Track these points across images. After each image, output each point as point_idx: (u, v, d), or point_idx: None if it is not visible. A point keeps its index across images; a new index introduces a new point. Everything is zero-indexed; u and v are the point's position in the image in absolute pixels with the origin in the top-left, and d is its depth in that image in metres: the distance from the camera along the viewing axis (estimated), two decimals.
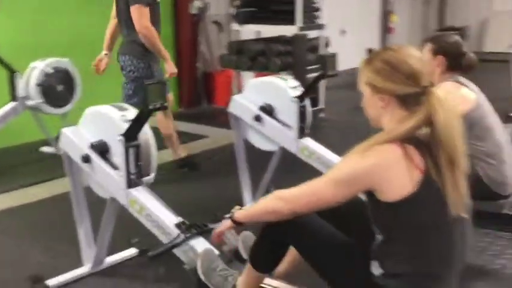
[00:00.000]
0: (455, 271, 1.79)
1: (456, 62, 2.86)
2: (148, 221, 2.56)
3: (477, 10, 10.78)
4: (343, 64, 6.00)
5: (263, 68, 5.94)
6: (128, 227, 2.81)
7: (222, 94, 6.70)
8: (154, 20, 3.99)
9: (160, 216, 2.51)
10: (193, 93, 6.82)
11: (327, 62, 3.20)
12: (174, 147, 4.41)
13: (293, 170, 3.20)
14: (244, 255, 2.30)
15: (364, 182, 1.71)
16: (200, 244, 2.40)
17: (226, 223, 2.07)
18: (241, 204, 3.39)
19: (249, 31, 6.49)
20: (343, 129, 5.39)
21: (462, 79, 2.89)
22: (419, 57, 1.79)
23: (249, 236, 2.36)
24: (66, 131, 2.76)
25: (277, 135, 3.40)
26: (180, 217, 2.51)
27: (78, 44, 5.54)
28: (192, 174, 4.40)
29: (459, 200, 1.70)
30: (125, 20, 3.99)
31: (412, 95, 1.73)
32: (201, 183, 4.24)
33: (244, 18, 6.30)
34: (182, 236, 2.37)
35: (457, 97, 2.74)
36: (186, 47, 6.64)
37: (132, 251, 3.11)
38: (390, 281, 1.76)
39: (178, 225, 2.47)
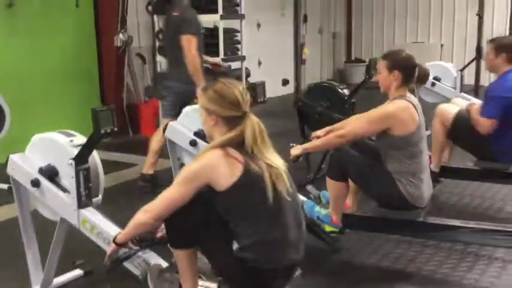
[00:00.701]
0: (291, 235, 2.33)
1: (411, 75, 3.19)
2: (99, 238, 2.73)
3: (380, 44, 11.63)
4: None
5: None
6: (71, 250, 2.96)
7: (148, 124, 6.87)
8: (199, 49, 4.62)
9: (111, 233, 2.68)
10: (120, 124, 6.94)
11: (257, 90, 3.52)
12: (152, 161, 4.78)
13: None
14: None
15: (201, 179, 2.27)
16: (151, 257, 2.62)
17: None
18: None
19: None
20: None
21: (413, 99, 3.21)
22: (242, 89, 2.38)
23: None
24: (14, 157, 2.87)
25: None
26: None
27: (6, 76, 5.55)
28: (140, 195, 4.52)
29: (277, 180, 2.28)
30: (172, 47, 4.66)
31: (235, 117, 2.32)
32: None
33: None
34: (135, 249, 2.57)
35: (407, 115, 3.10)
36: (111, 79, 6.78)
37: (76, 272, 3.23)
38: (245, 254, 2.27)
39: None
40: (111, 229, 2.70)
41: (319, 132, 3.45)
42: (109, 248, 2.51)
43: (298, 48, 10.51)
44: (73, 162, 2.71)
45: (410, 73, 3.19)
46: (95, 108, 2.67)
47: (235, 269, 2.31)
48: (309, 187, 3.90)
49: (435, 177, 4.01)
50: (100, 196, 2.90)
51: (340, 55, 12.02)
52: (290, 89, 10.14)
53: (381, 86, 3.26)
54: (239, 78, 6.48)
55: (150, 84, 7.01)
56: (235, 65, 6.44)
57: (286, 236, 2.31)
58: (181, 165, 3.84)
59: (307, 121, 4.89)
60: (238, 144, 2.30)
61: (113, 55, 6.68)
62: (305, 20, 10.63)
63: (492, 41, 4.18)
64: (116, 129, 2.73)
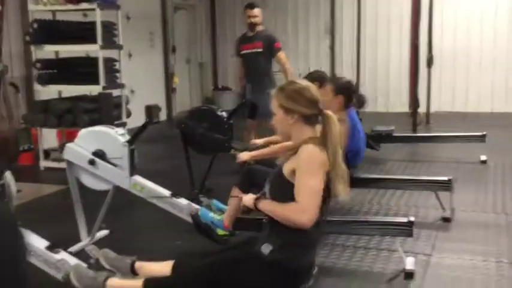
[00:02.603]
0: (317, 242, 2.59)
1: (351, 99, 3.72)
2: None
3: None
4: (133, 121, 6.71)
5: (71, 125, 6.38)
6: None
7: (24, 153, 6.88)
8: None
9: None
10: None
11: (153, 112, 3.91)
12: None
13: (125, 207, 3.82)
14: (107, 266, 2.88)
15: (324, 165, 2.39)
16: (72, 259, 2.91)
17: (249, 202, 2.57)
18: (78, 240, 3.93)
19: (50, 91, 6.88)
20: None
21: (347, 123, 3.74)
22: (316, 88, 2.55)
23: (105, 252, 2.95)
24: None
25: (111, 175, 3.95)
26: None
27: None
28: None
29: (344, 185, 2.44)
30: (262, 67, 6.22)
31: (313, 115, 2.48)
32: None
33: (46, 79, 6.68)
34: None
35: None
36: None
37: None
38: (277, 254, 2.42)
39: (48, 247, 2.94)
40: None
41: (257, 141, 4.09)
42: (250, 201, 2.57)
43: (168, 78, 11.02)
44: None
45: (350, 98, 3.72)
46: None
47: (267, 273, 2.43)
48: (202, 197, 4.33)
49: None
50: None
51: (208, 83, 12.66)
52: (162, 116, 10.52)
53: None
54: (119, 105, 6.78)
55: (28, 113, 7.01)
56: (115, 92, 6.72)
57: (316, 240, 2.56)
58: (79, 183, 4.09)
59: (190, 142, 5.33)
60: (323, 142, 2.42)
61: None
62: (173, 50, 11.15)
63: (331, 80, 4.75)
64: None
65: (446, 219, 4.58)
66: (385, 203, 5.13)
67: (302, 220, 2.35)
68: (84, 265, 2.90)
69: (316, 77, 4.63)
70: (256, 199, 2.56)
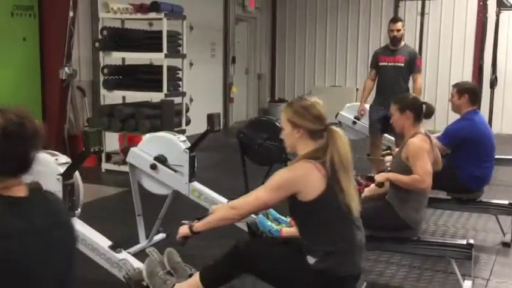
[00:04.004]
0: (359, 248, 2.58)
1: (420, 113, 3.71)
2: (83, 245, 3.08)
3: (302, 86, 12.49)
4: (192, 129, 6.85)
5: (133, 130, 6.58)
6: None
7: (95, 154, 7.12)
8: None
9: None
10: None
11: (214, 120, 4.01)
12: None
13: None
14: (168, 267, 2.93)
15: (292, 188, 2.47)
16: (133, 259, 3.00)
17: (184, 231, 2.68)
18: (136, 241, 4.05)
19: (115, 96, 7.12)
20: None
21: (429, 135, 3.69)
22: (322, 104, 2.61)
23: (171, 252, 3.00)
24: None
25: (171, 180, 4.06)
26: None
27: None
28: None
29: (352, 200, 2.49)
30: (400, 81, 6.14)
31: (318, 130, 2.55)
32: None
33: (112, 85, 6.92)
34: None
35: (428, 149, 3.57)
36: (54, 110, 7.02)
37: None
38: (324, 264, 2.47)
39: (111, 247, 3.05)
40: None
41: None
42: (183, 231, 2.69)
43: (226, 88, 11.19)
44: (60, 178, 3.08)
45: (418, 111, 3.68)
46: (86, 130, 3.18)
47: (314, 281, 2.49)
48: None
49: None
50: (79, 209, 3.27)
51: (265, 95, 12.77)
52: None
53: (396, 127, 3.79)
54: (180, 112, 6.94)
55: (95, 116, 7.26)
56: (176, 100, 6.89)
57: (357, 246, 2.55)
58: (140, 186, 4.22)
59: (248, 151, 5.41)
60: (321, 156, 2.49)
61: (56, 87, 6.95)
62: (233, 61, 11.32)
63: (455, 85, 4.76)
64: (102, 148, 3.13)
65: (506, 244, 4.46)
66: (442, 223, 5.04)
67: (230, 215, 2.62)
68: (157, 262, 2.95)
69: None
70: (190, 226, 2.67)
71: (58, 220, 1.76)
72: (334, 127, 2.58)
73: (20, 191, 1.68)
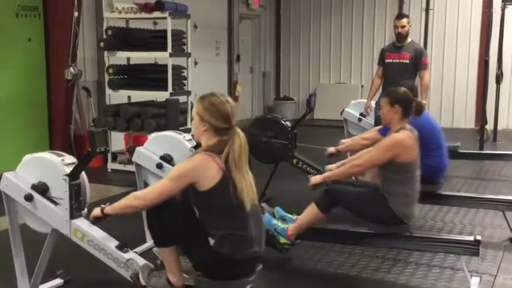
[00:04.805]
0: (254, 232, 2.77)
1: (409, 109, 3.68)
2: (90, 245, 3.09)
3: (307, 83, 12.47)
4: None
5: (139, 129, 6.59)
6: (50, 258, 3.23)
7: (101, 154, 7.13)
8: None
9: (101, 239, 3.06)
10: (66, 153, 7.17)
11: None
12: None
13: None
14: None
15: (190, 178, 2.70)
16: (139, 259, 3.01)
17: (96, 212, 2.89)
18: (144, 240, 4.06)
19: (120, 96, 7.12)
20: None
21: (415, 131, 3.71)
22: (232, 104, 2.79)
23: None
24: (7, 174, 3.18)
25: None
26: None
27: None
28: None
29: (244, 194, 2.71)
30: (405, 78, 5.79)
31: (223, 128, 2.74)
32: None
33: (117, 84, 6.93)
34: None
35: (412, 144, 3.61)
36: (59, 110, 7.03)
37: (57, 281, 3.53)
38: (220, 247, 2.70)
39: (118, 246, 3.05)
40: (101, 235, 3.07)
41: (333, 166, 4.09)
42: (96, 212, 2.90)
43: (231, 86, 11.18)
44: (67, 178, 3.07)
45: (408, 107, 3.68)
46: (91, 130, 3.07)
47: (212, 261, 2.74)
48: (263, 205, 4.39)
49: None
50: (85, 209, 3.26)
51: (270, 93, 12.76)
52: None
53: (383, 120, 3.83)
54: (185, 111, 6.94)
55: (101, 116, 7.27)
56: (181, 99, 6.89)
57: (250, 232, 2.76)
58: (146, 185, 4.22)
59: (253, 150, 5.40)
60: (220, 151, 2.72)
61: (62, 88, 6.95)
62: (238, 59, 11.31)
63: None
64: (108, 148, 3.13)
65: None
66: (449, 220, 5.02)
67: (134, 204, 2.81)
68: (152, 266, 3.00)
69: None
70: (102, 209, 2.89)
71: None
72: (238, 128, 2.78)
73: None
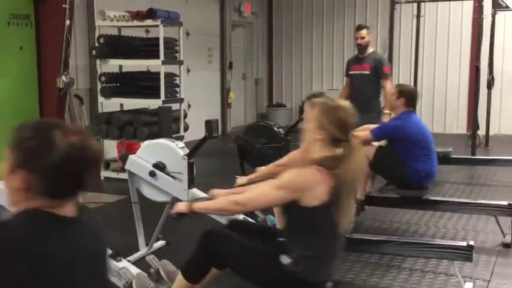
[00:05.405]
0: (335, 258, 2.63)
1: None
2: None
3: (299, 90, 12.49)
4: (190, 135, 6.84)
5: (131, 137, 6.58)
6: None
7: None
8: None
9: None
10: None
11: (212, 126, 4.00)
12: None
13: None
14: (164, 276, 2.95)
15: (298, 192, 2.41)
16: (133, 268, 3.01)
17: (182, 207, 2.67)
18: (136, 249, 4.04)
19: (112, 104, 7.11)
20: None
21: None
22: (354, 116, 2.52)
23: (166, 263, 3.02)
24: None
25: (170, 187, 4.05)
26: None
27: None
28: None
29: (344, 217, 2.47)
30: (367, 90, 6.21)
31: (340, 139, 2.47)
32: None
33: (109, 92, 6.92)
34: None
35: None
36: (52, 118, 7.00)
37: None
38: (298, 267, 2.48)
39: (111, 255, 3.04)
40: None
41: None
42: (184, 206, 2.70)
43: (224, 93, 11.20)
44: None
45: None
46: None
47: (284, 281, 2.51)
48: (257, 212, 4.38)
49: (361, 205, 4.63)
50: None
51: (263, 100, 12.78)
52: None
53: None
54: (178, 119, 6.94)
55: (93, 124, 7.26)
56: (174, 106, 6.89)
57: (334, 257, 2.59)
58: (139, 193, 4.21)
59: (246, 156, 5.42)
60: (331, 166, 2.39)
61: (54, 96, 6.94)
62: (230, 66, 11.34)
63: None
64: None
65: (506, 245, 4.46)
66: (442, 225, 5.04)
67: (236, 209, 2.62)
68: (145, 275, 2.99)
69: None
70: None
71: (102, 243, 1.68)
72: (357, 142, 2.51)
73: (69, 210, 1.54)
